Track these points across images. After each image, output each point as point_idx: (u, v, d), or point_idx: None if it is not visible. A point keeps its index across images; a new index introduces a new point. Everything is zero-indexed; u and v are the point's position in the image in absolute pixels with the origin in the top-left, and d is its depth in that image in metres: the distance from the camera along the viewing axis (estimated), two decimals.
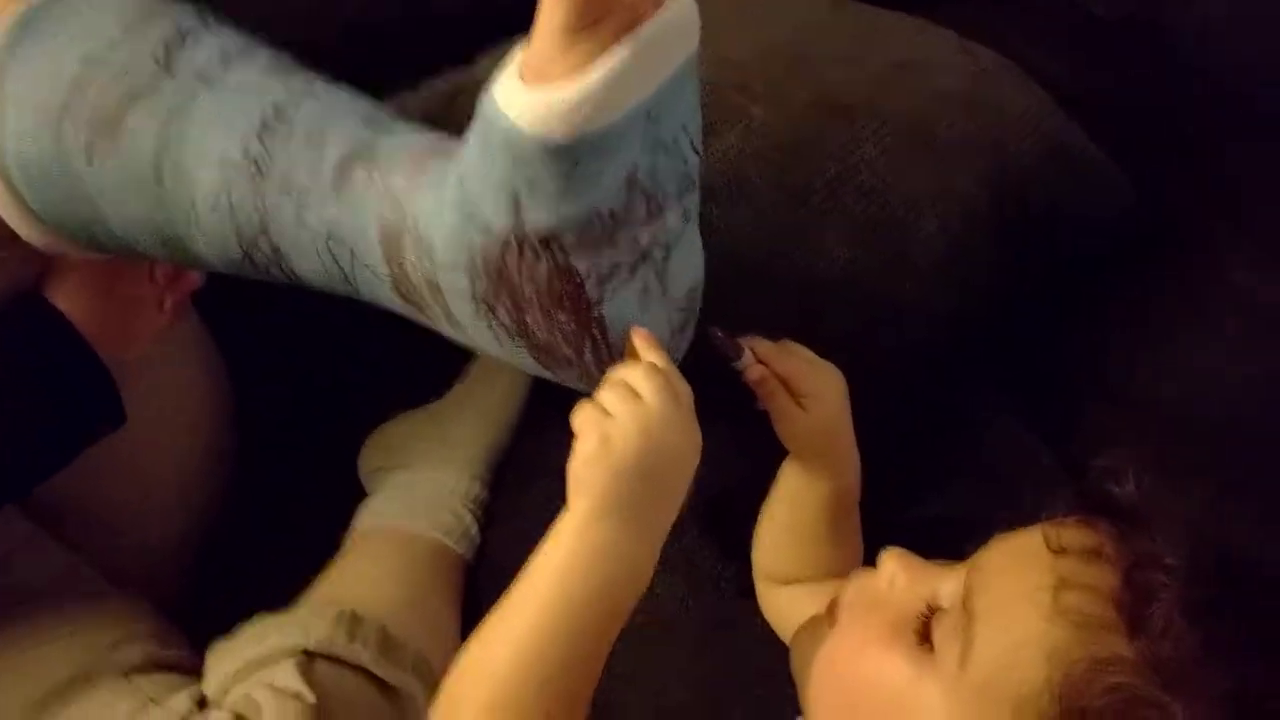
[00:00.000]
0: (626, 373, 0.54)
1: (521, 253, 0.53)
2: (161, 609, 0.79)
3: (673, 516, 0.55)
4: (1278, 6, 0.95)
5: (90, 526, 0.79)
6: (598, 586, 0.51)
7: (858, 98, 0.83)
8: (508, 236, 0.53)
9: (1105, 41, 1.00)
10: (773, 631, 0.76)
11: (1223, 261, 0.91)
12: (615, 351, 0.57)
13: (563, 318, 0.55)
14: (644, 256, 0.54)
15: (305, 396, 0.91)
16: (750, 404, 0.68)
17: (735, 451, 0.77)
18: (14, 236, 0.64)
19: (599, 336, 0.56)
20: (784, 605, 0.73)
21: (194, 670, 0.73)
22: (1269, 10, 0.94)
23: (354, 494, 0.88)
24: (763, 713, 0.74)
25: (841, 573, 0.70)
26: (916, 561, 0.57)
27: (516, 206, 0.51)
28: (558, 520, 0.53)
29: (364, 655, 0.70)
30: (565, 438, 0.87)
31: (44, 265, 0.69)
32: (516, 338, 0.57)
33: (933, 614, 0.53)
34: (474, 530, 0.85)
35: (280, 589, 0.77)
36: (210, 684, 0.70)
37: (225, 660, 0.71)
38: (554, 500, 0.84)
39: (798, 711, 0.64)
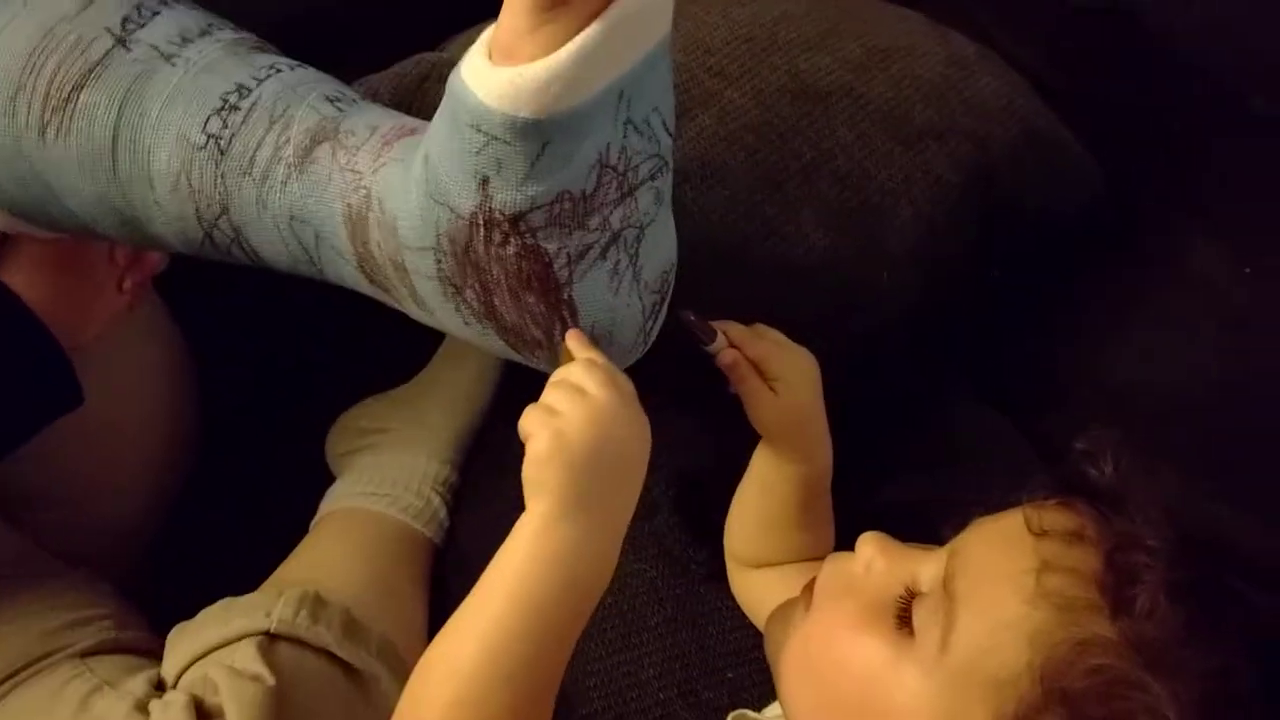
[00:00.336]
0: (567, 372, 0.54)
1: (489, 233, 0.52)
2: (122, 591, 0.77)
3: (631, 507, 0.54)
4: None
5: (48, 508, 0.78)
6: (561, 583, 0.51)
7: (833, 83, 0.82)
8: (475, 217, 0.52)
9: (1083, 32, 1.00)
10: (744, 615, 0.76)
11: (1188, 253, 0.92)
12: (586, 334, 0.56)
13: (531, 300, 0.54)
14: (615, 238, 0.54)
15: (271, 379, 0.90)
16: (722, 388, 0.68)
17: (707, 435, 0.77)
18: None
19: (569, 319, 0.55)
20: (755, 588, 0.73)
21: (153, 653, 0.72)
22: (1251, 3, 0.94)
23: (321, 478, 0.88)
24: (734, 695, 0.73)
25: (813, 556, 0.70)
26: (894, 545, 0.57)
27: (484, 186, 0.51)
28: (518, 522, 0.52)
29: (327, 637, 0.69)
30: None
31: (1, 247, 0.67)
32: (484, 320, 0.56)
33: (912, 598, 0.53)
34: (442, 514, 0.84)
35: (245, 573, 0.76)
36: (169, 666, 0.69)
37: (185, 642, 0.70)
38: (522, 485, 0.84)
39: (771, 695, 0.64)
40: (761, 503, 0.71)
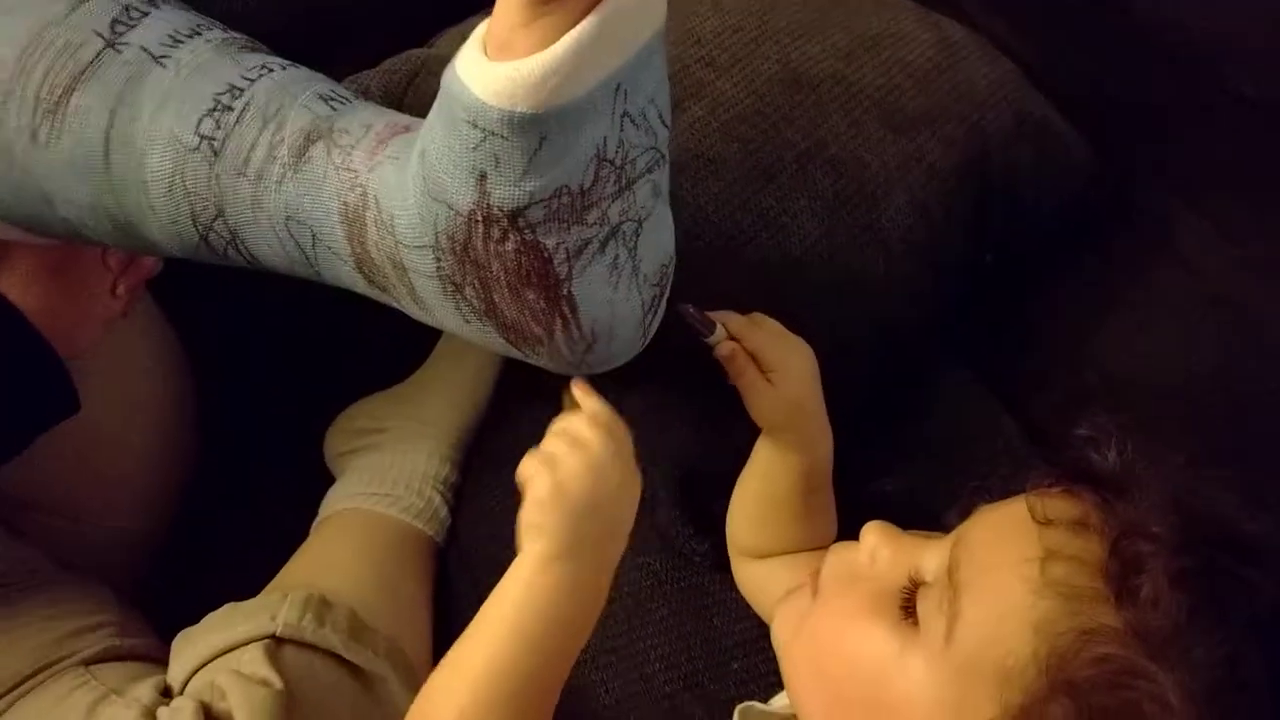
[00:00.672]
0: (568, 422, 0.58)
1: (488, 230, 0.52)
2: (125, 598, 0.77)
3: (621, 548, 0.58)
4: None
5: (47, 515, 0.78)
6: (556, 620, 0.54)
7: (824, 71, 0.82)
8: (473, 213, 0.51)
9: (1071, 16, 1.00)
10: (749, 605, 0.76)
11: (1179, 236, 0.92)
12: (586, 330, 0.56)
13: (531, 296, 0.54)
14: (614, 232, 0.53)
15: (267, 381, 0.90)
16: (722, 379, 0.67)
17: (707, 426, 0.77)
18: None
19: (569, 315, 0.55)
20: (758, 578, 0.73)
21: (158, 660, 0.71)
22: None
23: (321, 479, 0.87)
24: (740, 686, 0.73)
25: (815, 546, 0.70)
26: (898, 534, 0.57)
27: (482, 183, 0.50)
28: (514, 562, 0.56)
29: (333, 640, 0.69)
30: (536, 417, 0.87)
31: None
32: (484, 317, 0.56)
33: (916, 588, 0.53)
34: (444, 513, 0.84)
35: (247, 577, 0.76)
36: (175, 672, 0.69)
37: (191, 648, 0.69)
38: None
39: (778, 685, 0.64)
40: (763, 493, 0.71)
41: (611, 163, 0.51)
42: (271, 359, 0.90)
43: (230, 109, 0.56)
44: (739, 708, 0.65)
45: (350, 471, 0.86)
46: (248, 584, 0.75)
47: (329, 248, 0.57)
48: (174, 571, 0.86)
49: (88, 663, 0.68)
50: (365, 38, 0.84)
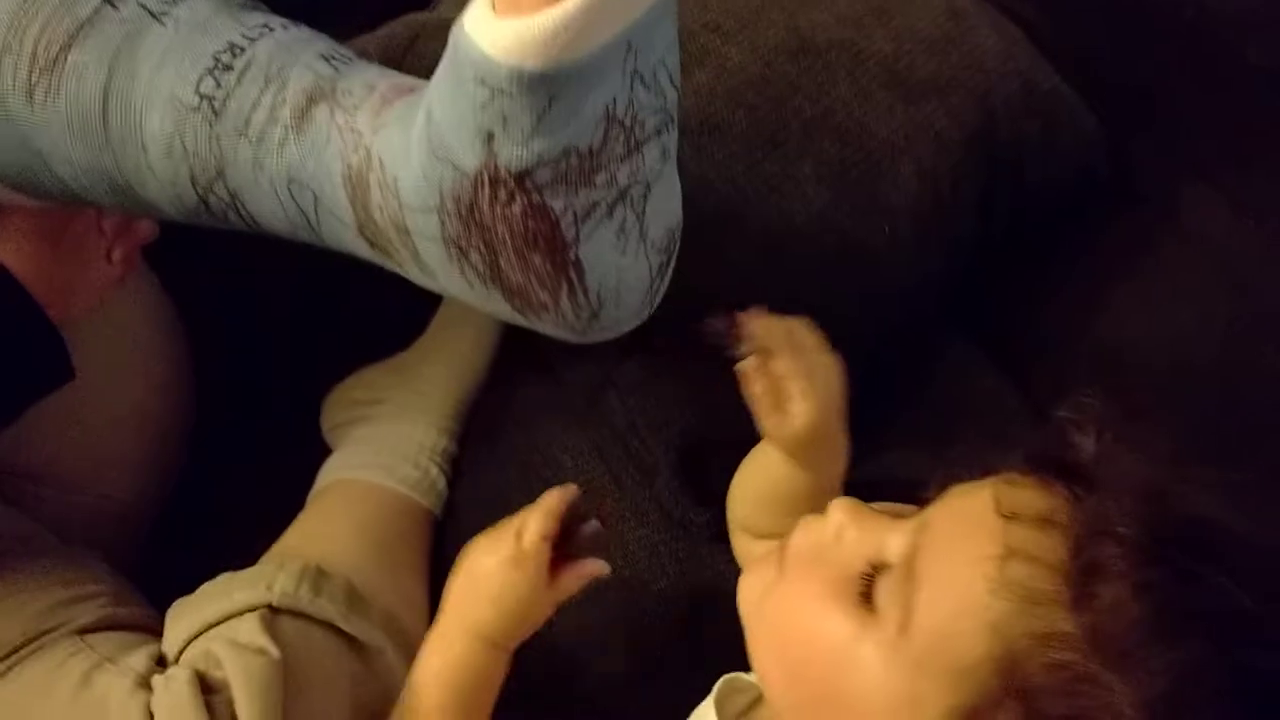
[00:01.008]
0: (522, 519, 0.63)
1: (494, 192, 0.51)
2: (120, 568, 0.76)
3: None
4: None
5: (40, 484, 0.77)
6: (469, 678, 0.64)
7: (832, 38, 0.81)
8: (480, 175, 0.50)
9: None
10: None
11: (1187, 207, 0.91)
12: (592, 296, 0.55)
13: (538, 260, 0.53)
14: (622, 195, 0.52)
15: (264, 350, 0.89)
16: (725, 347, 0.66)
17: (710, 395, 0.76)
18: None
19: (575, 280, 0.54)
20: (757, 557, 0.72)
21: (153, 630, 0.71)
22: None
23: (318, 449, 0.86)
24: (742, 657, 0.73)
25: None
26: (865, 512, 0.55)
27: (489, 143, 0.49)
28: (435, 623, 0.65)
29: (330, 610, 0.68)
30: (533, 390, 0.86)
31: None
32: (489, 282, 0.55)
33: (877, 572, 0.52)
34: (441, 484, 0.83)
35: (243, 547, 0.75)
36: (170, 642, 0.68)
37: (186, 617, 0.68)
38: (522, 454, 0.83)
39: None
40: (764, 491, 0.70)
41: (621, 123, 0.50)
42: (268, 328, 0.89)
43: (230, 68, 0.55)
44: (722, 680, 0.64)
45: (347, 442, 0.85)
46: (244, 554, 0.74)
47: (331, 211, 0.56)
48: (169, 541, 0.85)
49: (82, 632, 0.67)
50: (365, 2, 0.83)
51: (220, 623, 0.66)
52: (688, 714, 0.65)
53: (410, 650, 0.71)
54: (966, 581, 0.47)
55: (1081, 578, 0.45)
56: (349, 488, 0.81)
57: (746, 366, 0.63)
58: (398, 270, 0.59)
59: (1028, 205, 0.88)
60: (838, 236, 0.78)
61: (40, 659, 0.65)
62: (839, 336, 0.78)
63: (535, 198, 0.50)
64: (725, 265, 0.75)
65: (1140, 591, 0.44)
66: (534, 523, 0.62)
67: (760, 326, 0.62)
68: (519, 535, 0.62)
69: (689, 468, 0.80)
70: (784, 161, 0.78)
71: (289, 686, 0.64)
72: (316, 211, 0.57)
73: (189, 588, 0.71)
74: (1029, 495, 0.49)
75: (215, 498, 0.86)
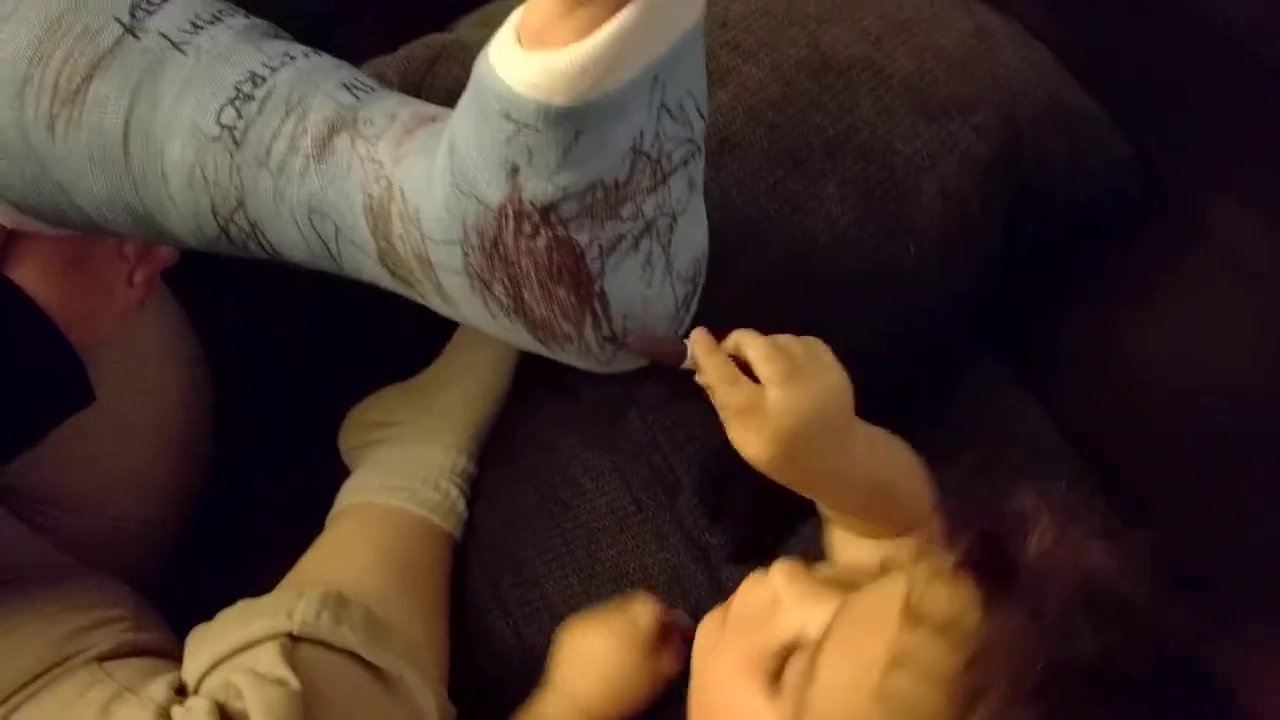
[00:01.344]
0: (631, 609, 0.69)
1: (519, 225, 0.50)
2: (141, 590, 0.76)
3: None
4: None
5: (60, 506, 0.76)
6: None
7: (853, 55, 0.80)
8: (504, 208, 0.50)
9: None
10: None
11: (1216, 222, 0.90)
12: (617, 327, 0.54)
13: (562, 293, 0.52)
14: (648, 227, 0.52)
15: (282, 372, 0.88)
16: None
17: None
18: None
19: (600, 312, 0.53)
20: (837, 542, 0.69)
21: (172, 655, 0.70)
22: None
23: (336, 472, 0.86)
24: None
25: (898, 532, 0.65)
26: (802, 579, 0.54)
27: (514, 176, 0.49)
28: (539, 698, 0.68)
29: (351, 639, 0.67)
30: (553, 410, 0.85)
31: (6, 243, 0.65)
32: (512, 314, 0.54)
33: (791, 651, 0.52)
34: (460, 507, 0.82)
35: (263, 572, 0.74)
36: (190, 670, 0.67)
37: (206, 645, 0.68)
38: (542, 475, 0.83)
39: None
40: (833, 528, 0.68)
41: (648, 156, 0.50)
42: (286, 350, 0.88)
43: (252, 98, 0.54)
44: None
45: (365, 464, 0.84)
46: (261, 577, 0.74)
47: (352, 241, 0.56)
48: (187, 564, 0.85)
49: (101, 659, 0.67)
50: (383, 19, 0.82)
51: (240, 651, 0.66)
52: None
53: (430, 677, 0.70)
54: (853, 683, 0.47)
55: (965, 699, 0.44)
56: (368, 511, 0.80)
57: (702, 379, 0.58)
58: (419, 300, 0.59)
59: (1055, 224, 0.87)
60: (862, 256, 0.78)
61: (60, 687, 0.65)
62: (863, 356, 0.78)
63: (560, 231, 0.50)
64: (748, 285, 0.74)
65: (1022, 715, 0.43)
66: (649, 609, 0.68)
67: (700, 347, 0.58)
68: (633, 620, 0.68)
69: (711, 485, 0.79)
70: (806, 180, 0.77)
71: (309, 717, 0.63)
72: (337, 241, 0.56)
73: (208, 608, 0.71)
74: (939, 593, 0.47)
75: (233, 519, 0.86)
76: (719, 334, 0.59)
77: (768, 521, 0.79)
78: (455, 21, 0.83)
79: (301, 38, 0.61)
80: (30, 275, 0.65)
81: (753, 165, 0.77)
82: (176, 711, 0.63)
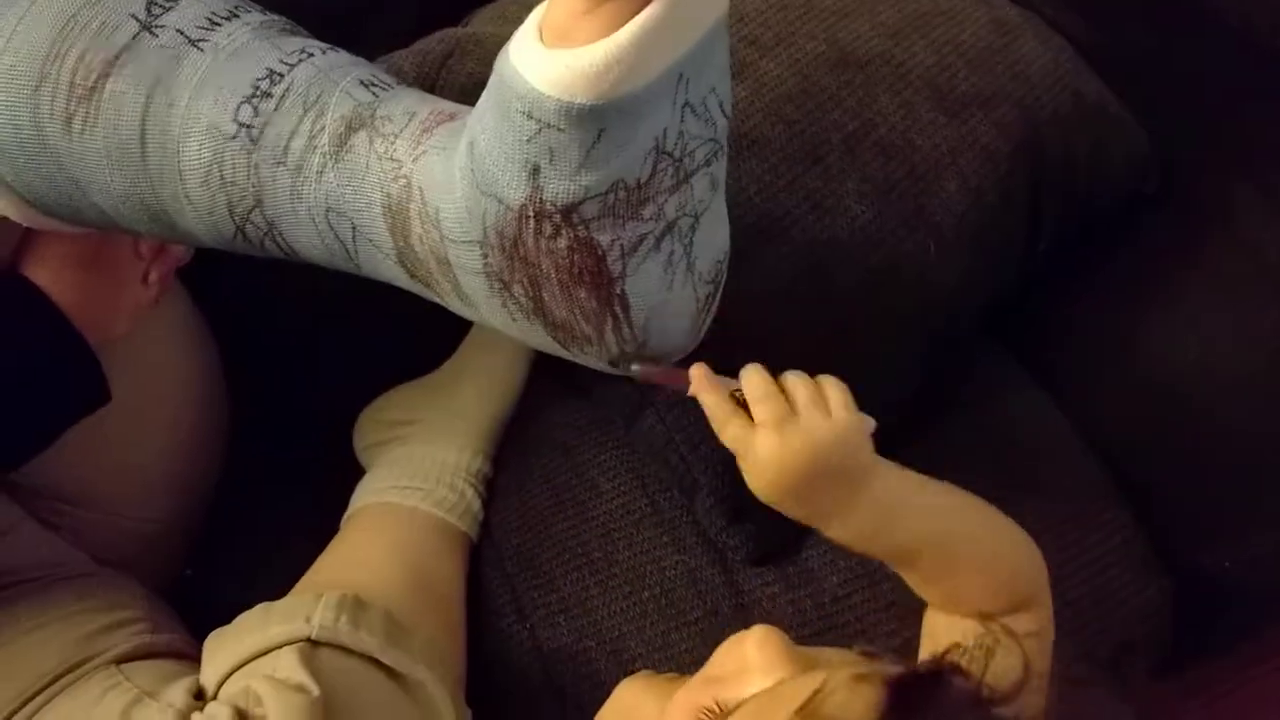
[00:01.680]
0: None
1: (539, 226, 0.49)
2: (158, 591, 0.76)
3: None
4: None
5: (76, 506, 0.76)
6: None
7: (872, 50, 0.80)
8: (525, 208, 0.49)
9: None
10: (782, 603, 0.76)
11: (1238, 217, 0.89)
12: (638, 329, 0.54)
13: (583, 294, 0.51)
14: (670, 228, 0.51)
15: (296, 371, 0.88)
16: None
17: None
18: None
19: (621, 313, 0.52)
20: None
21: (189, 656, 0.70)
22: None
23: (350, 471, 0.85)
24: None
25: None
26: (774, 649, 0.52)
27: (535, 176, 0.48)
28: None
29: (370, 643, 0.67)
30: (569, 411, 0.85)
31: (23, 241, 0.65)
32: (532, 316, 0.53)
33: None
34: (476, 506, 0.82)
35: (279, 572, 0.74)
36: (209, 675, 0.67)
37: (224, 649, 0.67)
38: (558, 476, 0.82)
39: None
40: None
41: (670, 155, 0.49)
42: (301, 348, 0.88)
43: (269, 95, 0.53)
44: None
45: (380, 464, 0.84)
46: (277, 577, 0.73)
47: (370, 241, 0.55)
48: (203, 565, 0.84)
49: (119, 661, 0.67)
50: (397, 12, 0.82)
51: (259, 656, 0.65)
52: None
53: (449, 679, 0.70)
54: None
55: None
56: (384, 511, 0.80)
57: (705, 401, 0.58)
58: (438, 300, 0.58)
59: (1075, 219, 0.86)
60: (882, 252, 0.77)
61: (78, 691, 0.65)
62: (881, 354, 0.77)
63: (581, 231, 0.49)
64: (767, 284, 0.73)
65: None
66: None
67: (698, 385, 0.57)
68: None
69: (729, 486, 0.79)
70: (826, 177, 0.76)
71: None
72: (355, 241, 0.55)
73: (224, 609, 0.70)
74: (847, 699, 0.46)
75: (248, 519, 0.85)
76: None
77: (786, 523, 0.78)
78: (469, 15, 0.82)
79: (318, 34, 0.60)
80: (46, 274, 0.65)
81: (771, 162, 0.76)
82: (196, 718, 0.63)
